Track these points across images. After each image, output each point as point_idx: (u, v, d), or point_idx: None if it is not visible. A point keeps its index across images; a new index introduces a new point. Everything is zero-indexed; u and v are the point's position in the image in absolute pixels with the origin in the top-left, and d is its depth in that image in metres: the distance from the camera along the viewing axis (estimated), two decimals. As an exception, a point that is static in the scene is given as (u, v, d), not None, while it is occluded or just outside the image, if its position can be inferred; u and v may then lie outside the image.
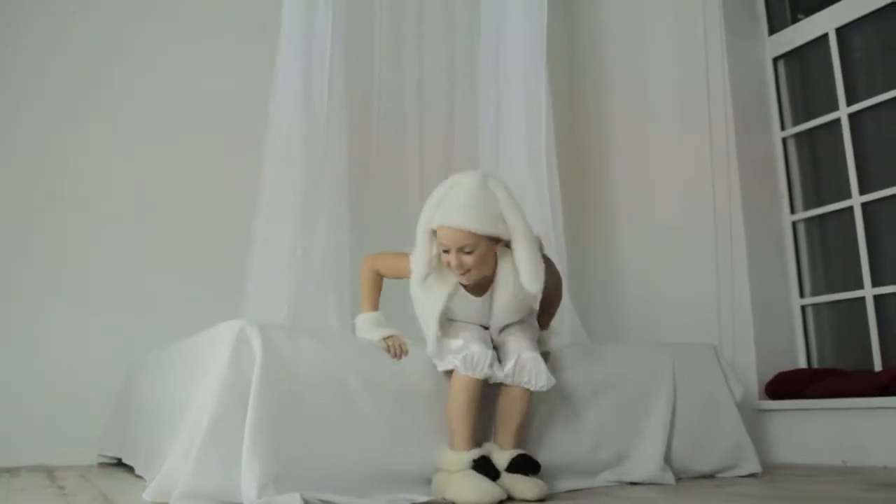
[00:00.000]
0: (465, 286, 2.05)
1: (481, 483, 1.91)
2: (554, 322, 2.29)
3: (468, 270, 1.99)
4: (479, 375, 2.00)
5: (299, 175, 2.51)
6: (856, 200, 3.06)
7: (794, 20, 3.41)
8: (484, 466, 1.96)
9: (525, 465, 2.01)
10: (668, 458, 2.37)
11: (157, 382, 2.46)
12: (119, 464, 2.86)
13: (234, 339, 1.93)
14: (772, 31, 3.44)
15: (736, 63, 3.34)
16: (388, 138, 3.07)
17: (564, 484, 2.18)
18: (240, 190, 2.88)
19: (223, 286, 2.76)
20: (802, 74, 3.39)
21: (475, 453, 1.98)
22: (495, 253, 2.02)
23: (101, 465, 3.05)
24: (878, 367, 2.89)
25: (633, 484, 2.28)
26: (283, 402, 1.90)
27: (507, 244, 2.02)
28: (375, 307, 2.17)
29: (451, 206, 1.95)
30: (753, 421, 2.93)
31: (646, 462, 2.31)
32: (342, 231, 2.55)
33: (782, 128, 3.36)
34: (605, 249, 3.70)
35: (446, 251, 1.98)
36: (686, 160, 3.38)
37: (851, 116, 3.11)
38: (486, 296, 2.08)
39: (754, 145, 3.31)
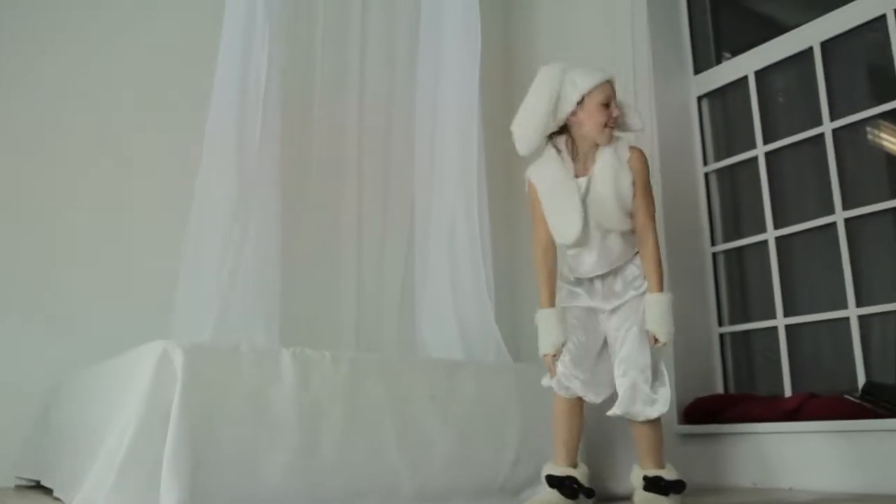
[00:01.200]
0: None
1: (549, 498, 2.10)
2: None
3: (615, 122, 2.22)
4: (568, 395, 2.18)
5: (230, 192, 2.53)
6: (770, 234, 3.22)
7: (719, 61, 3.59)
8: (561, 484, 2.11)
9: (658, 484, 2.13)
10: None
11: (79, 403, 2.44)
12: (37, 486, 2.81)
13: (157, 360, 1.95)
14: (697, 70, 3.62)
15: (663, 101, 3.49)
16: (324, 153, 3.09)
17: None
18: (170, 206, 2.87)
19: (151, 305, 2.74)
20: (724, 113, 3.56)
21: (560, 469, 2.14)
22: None
23: (19, 487, 2.99)
24: (788, 392, 3.05)
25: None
26: (203, 422, 1.92)
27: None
28: (552, 300, 2.28)
29: (588, 71, 2.22)
30: (673, 444, 3.04)
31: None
32: (272, 248, 2.57)
33: (705, 163, 3.52)
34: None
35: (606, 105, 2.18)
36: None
37: (768, 154, 3.29)
38: (587, 177, 2.20)
39: (678, 179, 3.46)
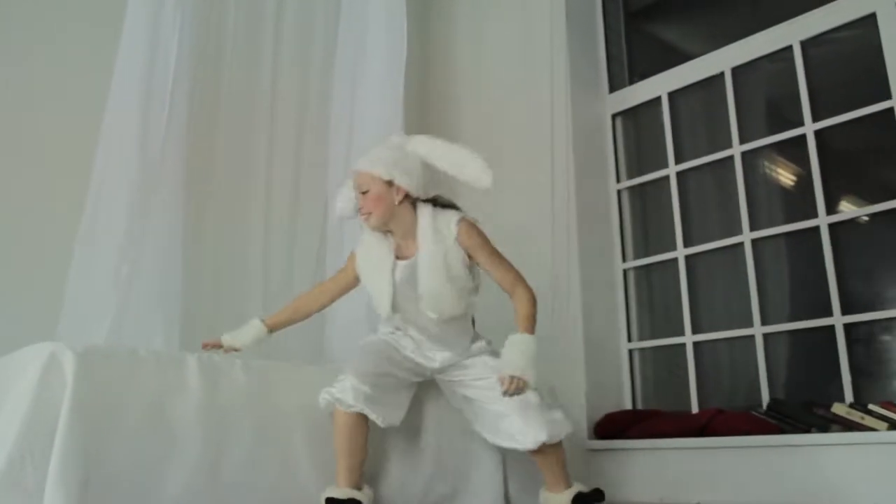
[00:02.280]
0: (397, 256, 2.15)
1: None
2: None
3: (368, 213, 2.12)
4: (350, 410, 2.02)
5: (128, 187, 2.35)
6: (680, 252, 3.29)
7: (632, 81, 3.66)
8: None
9: (586, 499, 2.12)
10: (506, 497, 2.38)
11: (-54, 412, 2.18)
12: None
13: (43, 363, 1.75)
14: (612, 89, 3.67)
15: (579, 116, 3.52)
16: (233, 150, 2.93)
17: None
18: (60, 201, 2.65)
19: (34, 306, 2.51)
20: (637, 131, 3.63)
21: (340, 492, 1.97)
22: (409, 206, 2.15)
23: None
24: (694, 409, 3.09)
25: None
26: (95, 435, 1.74)
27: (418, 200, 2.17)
28: (274, 320, 2.30)
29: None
30: (584, 460, 3.04)
31: (482, 497, 2.32)
32: (174, 246, 2.40)
33: (618, 180, 3.56)
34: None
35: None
36: (527, 206, 3.49)
37: (679, 174, 3.37)
38: (411, 260, 2.14)
39: (592, 195, 3.48)
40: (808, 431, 2.63)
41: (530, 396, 2.10)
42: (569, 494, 2.16)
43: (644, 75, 3.60)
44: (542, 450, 2.15)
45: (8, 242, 2.91)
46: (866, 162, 3.05)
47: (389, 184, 2.11)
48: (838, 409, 2.60)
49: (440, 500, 2.27)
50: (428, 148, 2.15)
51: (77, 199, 2.37)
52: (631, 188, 3.55)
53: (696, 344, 3.19)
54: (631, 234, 3.53)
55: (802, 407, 2.74)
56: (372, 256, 2.18)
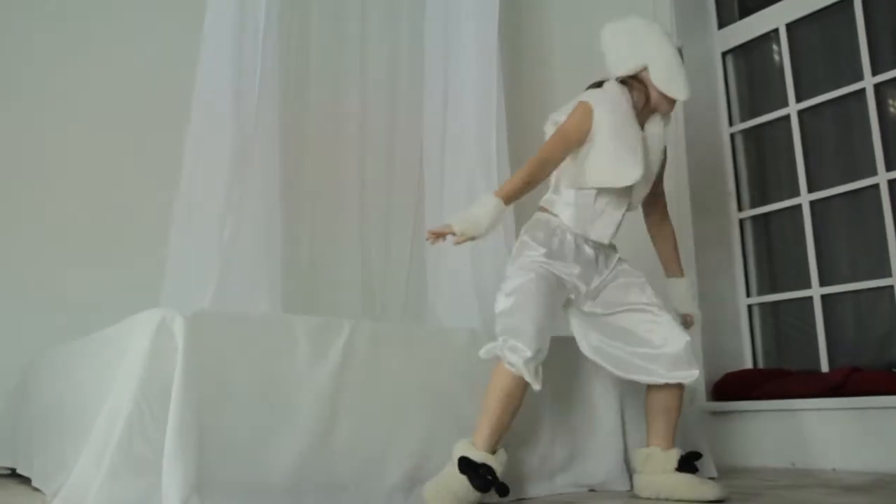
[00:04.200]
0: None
1: (454, 486, 1.82)
2: None
3: None
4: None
5: (227, 154, 2.32)
6: (804, 198, 3.07)
7: (744, 14, 3.42)
8: (475, 471, 1.82)
9: (691, 463, 1.98)
10: (625, 460, 2.29)
11: (61, 382, 2.22)
12: (13, 475, 2.59)
13: (154, 329, 1.74)
14: (721, 24, 3.45)
15: (685, 57, 3.30)
16: (325, 118, 2.90)
17: (526, 489, 2.10)
18: (158, 168, 2.68)
19: (136, 273, 2.55)
20: (750, 70, 3.40)
21: (477, 454, 1.84)
22: None
23: (-10, 475, 2.77)
24: (824, 368, 2.91)
25: (591, 491, 2.21)
26: (209, 400, 1.72)
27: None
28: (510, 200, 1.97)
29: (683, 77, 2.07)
30: (703, 423, 2.90)
31: (603, 461, 2.24)
32: (274, 211, 2.37)
33: (730, 123, 3.36)
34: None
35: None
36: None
37: (801, 113, 3.14)
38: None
39: (703, 141, 3.29)
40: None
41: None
42: (675, 454, 2.01)
43: (750, 10, 3.36)
44: (678, 391, 2.04)
45: (103, 214, 2.98)
46: None
47: None
48: None
49: (560, 464, 2.20)
50: None
51: (174, 164, 2.36)
52: (745, 131, 3.33)
53: (823, 297, 2.98)
54: (746, 181, 3.32)
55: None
56: (618, 111, 2.00)
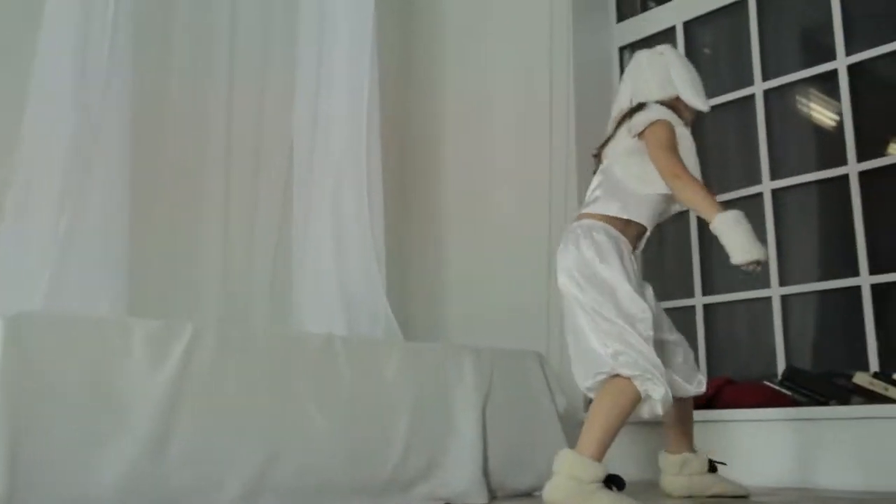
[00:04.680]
0: None
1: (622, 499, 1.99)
2: None
3: None
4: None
5: (67, 140, 2.35)
6: (692, 204, 3.29)
7: (645, 7, 3.62)
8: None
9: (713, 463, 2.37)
10: (485, 472, 2.44)
11: None
12: None
13: (-31, 332, 1.78)
14: (621, 17, 3.64)
15: (581, 50, 3.49)
16: (189, 108, 2.93)
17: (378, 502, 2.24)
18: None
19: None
20: (649, 67, 3.60)
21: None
22: None
23: None
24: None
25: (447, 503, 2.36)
26: (28, 408, 1.77)
27: None
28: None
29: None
30: (578, 435, 3.09)
31: (461, 472, 2.39)
32: (122, 202, 2.41)
33: (625, 122, 3.55)
34: (432, 246, 3.76)
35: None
36: (524, 156, 3.49)
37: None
38: None
39: (595, 140, 3.46)
40: (825, 403, 2.67)
41: None
42: (705, 456, 2.37)
43: (659, 0, 3.57)
44: (692, 399, 2.37)
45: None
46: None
47: None
48: (860, 378, 2.64)
49: (415, 476, 2.33)
50: None
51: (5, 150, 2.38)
52: (639, 132, 3.53)
53: (707, 307, 3.21)
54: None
55: (821, 377, 2.79)
56: (686, 137, 2.28)
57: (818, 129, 3.19)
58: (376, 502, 2.26)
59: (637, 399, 2.07)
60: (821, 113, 3.19)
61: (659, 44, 3.45)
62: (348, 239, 2.79)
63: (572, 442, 2.78)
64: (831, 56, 3.03)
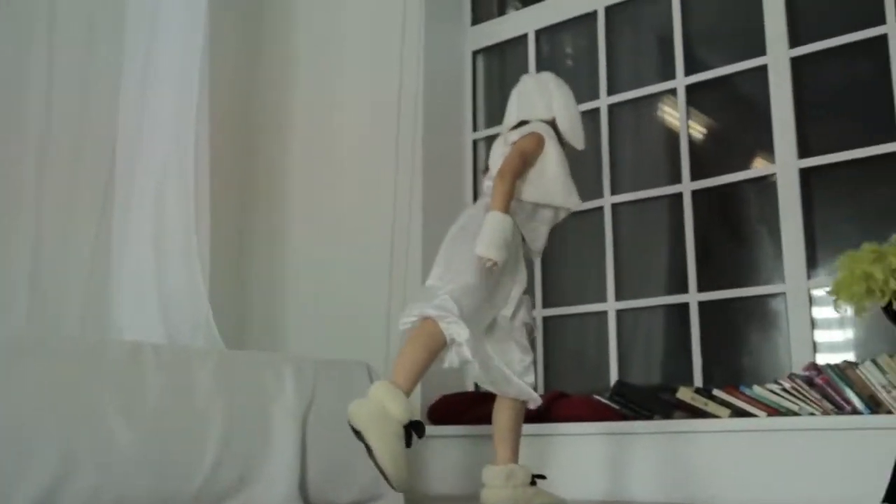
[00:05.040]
0: None
1: None
2: None
3: None
4: None
5: None
6: (537, 215, 3.50)
7: (502, 12, 3.80)
8: None
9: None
10: (302, 486, 2.55)
11: None
12: None
13: None
14: (475, 20, 3.81)
15: (433, 52, 3.64)
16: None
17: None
18: None
19: None
20: (502, 73, 3.79)
21: None
22: None
23: None
24: (540, 391, 3.34)
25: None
26: None
27: None
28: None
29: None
30: (413, 448, 3.23)
31: (276, 487, 2.48)
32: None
33: (475, 129, 3.73)
34: (276, 254, 3.82)
35: None
36: (370, 152, 3.62)
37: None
38: None
39: (443, 144, 3.64)
40: (650, 418, 2.91)
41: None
42: (528, 469, 2.54)
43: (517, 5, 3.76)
44: (523, 408, 2.56)
45: None
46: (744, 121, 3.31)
47: None
48: (683, 394, 2.88)
49: (226, 490, 2.42)
50: None
51: None
52: (489, 138, 3.72)
53: (546, 319, 3.42)
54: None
55: (648, 392, 3.03)
56: (558, 146, 2.53)
57: (666, 145, 3.44)
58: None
59: (443, 341, 2.27)
60: (669, 128, 3.44)
61: (512, 51, 3.71)
62: (170, 242, 2.85)
63: (408, 455, 2.95)
64: (689, 70, 3.28)
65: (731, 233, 3.30)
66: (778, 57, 3.04)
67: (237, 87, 3.74)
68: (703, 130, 3.39)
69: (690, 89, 3.27)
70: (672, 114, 3.38)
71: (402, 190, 3.50)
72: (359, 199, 3.63)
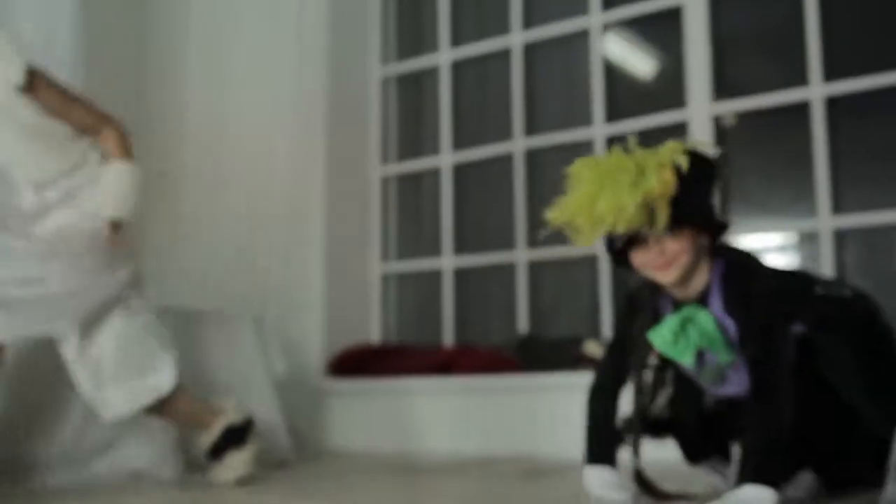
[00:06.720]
0: None
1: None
2: None
3: None
4: None
5: None
6: (444, 160, 3.42)
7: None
8: None
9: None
10: (179, 443, 2.47)
11: None
12: None
13: None
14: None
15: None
16: None
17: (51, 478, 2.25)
18: None
19: None
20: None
21: None
22: None
23: None
24: (449, 343, 3.29)
25: (134, 479, 2.38)
26: None
27: None
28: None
29: None
30: (315, 402, 3.17)
31: (149, 444, 2.42)
32: None
33: (384, 64, 3.62)
34: (169, 206, 3.64)
35: None
36: (270, 95, 3.49)
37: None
38: None
39: (348, 83, 3.51)
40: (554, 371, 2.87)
41: (106, 354, 2.20)
42: (218, 427, 2.29)
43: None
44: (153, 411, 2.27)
45: None
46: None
47: None
48: (590, 347, 2.85)
49: (96, 447, 2.35)
50: None
51: None
52: (400, 78, 3.61)
53: (458, 270, 3.35)
54: (397, 136, 3.60)
55: (554, 344, 2.98)
56: None
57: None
58: (51, 477, 2.26)
59: None
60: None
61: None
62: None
63: (292, 407, 2.89)
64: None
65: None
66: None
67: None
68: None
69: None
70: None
71: (304, 126, 3.38)
72: (256, 143, 3.47)
